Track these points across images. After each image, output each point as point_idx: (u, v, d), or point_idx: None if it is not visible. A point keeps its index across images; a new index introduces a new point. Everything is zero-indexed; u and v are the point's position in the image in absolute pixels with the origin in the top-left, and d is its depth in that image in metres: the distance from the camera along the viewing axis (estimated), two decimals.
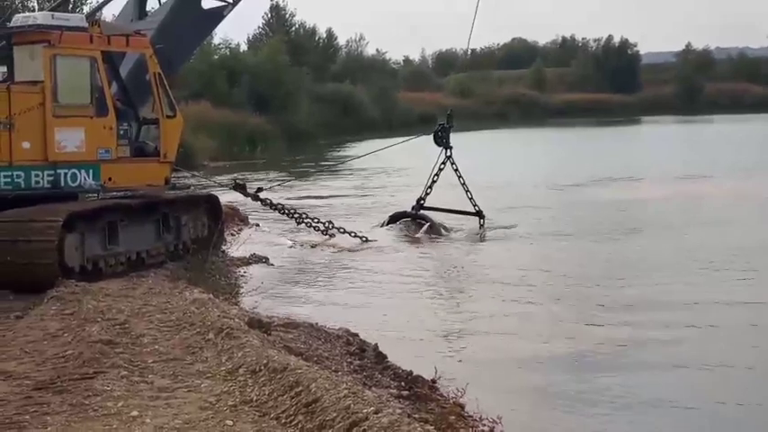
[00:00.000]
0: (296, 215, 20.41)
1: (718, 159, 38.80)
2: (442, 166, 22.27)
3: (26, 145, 14.40)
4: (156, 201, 16.05)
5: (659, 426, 8.59)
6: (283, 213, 20.43)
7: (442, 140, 22.35)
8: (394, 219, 22.45)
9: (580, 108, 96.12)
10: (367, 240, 20.24)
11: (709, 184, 31.12)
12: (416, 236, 21.30)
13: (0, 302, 12.49)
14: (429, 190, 22.14)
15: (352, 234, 20.28)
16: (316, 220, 20.60)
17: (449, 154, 22.32)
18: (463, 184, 22.11)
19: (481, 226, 22.13)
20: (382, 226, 22.17)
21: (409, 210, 22.38)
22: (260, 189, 20.34)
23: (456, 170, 22.16)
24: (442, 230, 21.81)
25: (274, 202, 20.45)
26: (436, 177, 22.16)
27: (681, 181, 32.37)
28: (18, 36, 15.06)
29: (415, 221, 22.15)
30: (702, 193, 28.65)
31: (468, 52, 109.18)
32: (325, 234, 20.48)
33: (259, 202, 20.31)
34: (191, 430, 7.20)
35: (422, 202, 22.15)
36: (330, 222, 20.64)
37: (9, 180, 14.28)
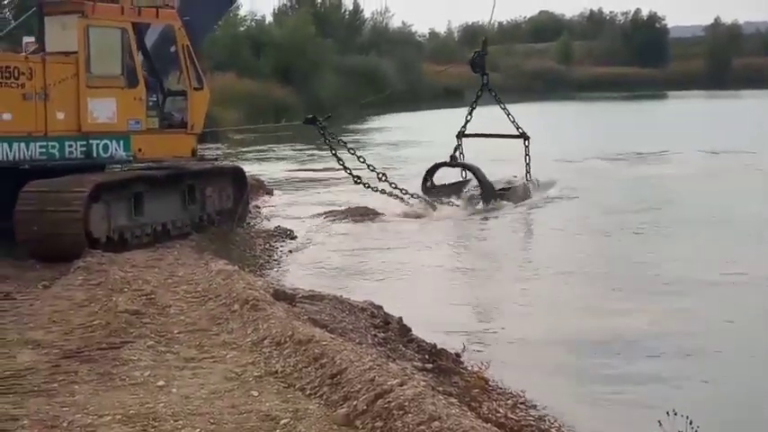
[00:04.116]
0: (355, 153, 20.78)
1: (748, 136, 38.30)
2: (480, 93, 23.28)
3: (60, 115, 14.52)
4: (181, 172, 16.12)
5: (687, 404, 8.53)
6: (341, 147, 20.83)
7: (479, 67, 23.38)
8: (435, 168, 22.69)
9: (607, 82, 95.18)
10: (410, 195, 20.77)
11: (744, 159, 30.82)
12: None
13: (27, 272, 12.59)
14: (469, 117, 23.02)
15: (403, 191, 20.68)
16: (371, 168, 20.77)
17: (485, 81, 23.21)
18: (504, 108, 23.08)
19: (526, 147, 22.79)
20: (427, 179, 22.45)
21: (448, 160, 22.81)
22: (329, 117, 21.22)
23: (495, 95, 23.17)
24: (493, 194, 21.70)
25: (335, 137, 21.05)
26: (474, 104, 23.16)
27: (718, 156, 32.00)
28: (50, 7, 15.13)
29: (459, 170, 22.69)
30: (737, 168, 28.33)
31: (495, 25, 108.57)
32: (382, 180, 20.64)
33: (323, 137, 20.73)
34: (216, 400, 7.25)
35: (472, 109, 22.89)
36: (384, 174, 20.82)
37: (44, 150, 14.41)
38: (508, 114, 23.11)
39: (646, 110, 65.86)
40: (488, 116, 23.69)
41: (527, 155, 22.96)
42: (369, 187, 20.56)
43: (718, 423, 8.52)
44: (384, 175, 20.81)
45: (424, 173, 22.72)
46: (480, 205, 21.36)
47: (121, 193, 14.67)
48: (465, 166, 22.64)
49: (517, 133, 23.09)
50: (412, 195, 21.04)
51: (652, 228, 18.73)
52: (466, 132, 23.09)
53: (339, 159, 20.59)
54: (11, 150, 14.03)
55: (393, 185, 20.76)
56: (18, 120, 14.09)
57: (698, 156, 31.91)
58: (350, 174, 20.65)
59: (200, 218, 16.47)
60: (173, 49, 16.27)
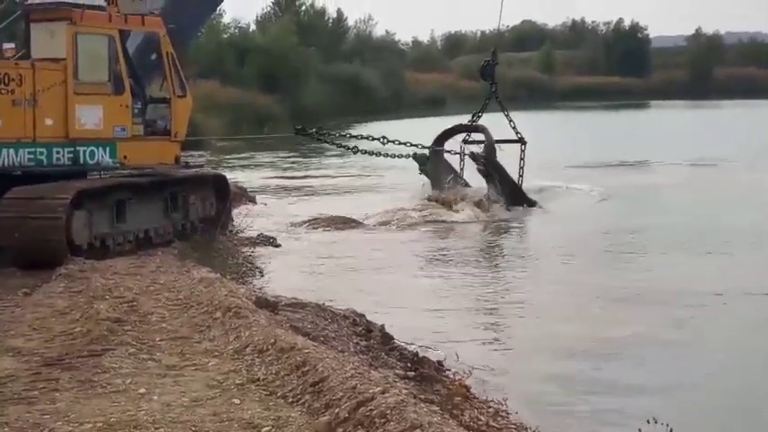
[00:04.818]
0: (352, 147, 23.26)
1: (733, 145, 38.39)
2: (487, 101, 24.21)
3: (49, 122, 14.55)
4: (163, 179, 16.10)
5: (670, 414, 8.53)
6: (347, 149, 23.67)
7: (489, 76, 24.43)
8: (448, 134, 23.94)
9: (589, 91, 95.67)
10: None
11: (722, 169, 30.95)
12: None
13: (8, 279, 12.52)
14: (477, 118, 24.16)
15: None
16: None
17: (494, 89, 24.25)
18: (507, 115, 23.99)
19: (522, 151, 23.48)
20: (442, 140, 23.55)
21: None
22: (320, 128, 22.88)
23: (500, 102, 24.15)
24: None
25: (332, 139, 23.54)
26: (481, 113, 24.17)
27: (704, 166, 32.06)
28: (37, 13, 15.12)
29: (469, 136, 23.98)
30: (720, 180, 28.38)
31: (478, 34, 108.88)
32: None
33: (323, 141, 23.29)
34: (198, 408, 7.23)
35: (478, 118, 24.17)
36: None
37: (32, 156, 14.42)
38: (510, 121, 23.90)
39: (628, 119, 66.20)
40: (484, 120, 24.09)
41: (522, 159, 23.42)
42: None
43: (700, 430, 8.57)
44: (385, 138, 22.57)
45: (440, 132, 23.94)
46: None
47: (103, 200, 14.63)
48: (479, 129, 23.60)
49: (516, 138, 23.78)
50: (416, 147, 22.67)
51: (640, 238, 18.78)
52: (469, 139, 23.96)
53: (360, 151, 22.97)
54: None
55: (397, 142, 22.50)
56: (7, 126, 14.10)
57: (683, 166, 32.07)
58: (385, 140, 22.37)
59: (182, 225, 16.44)
60: (153, 56, 16.30)
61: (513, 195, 22.76)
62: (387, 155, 22.79)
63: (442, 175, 23.04)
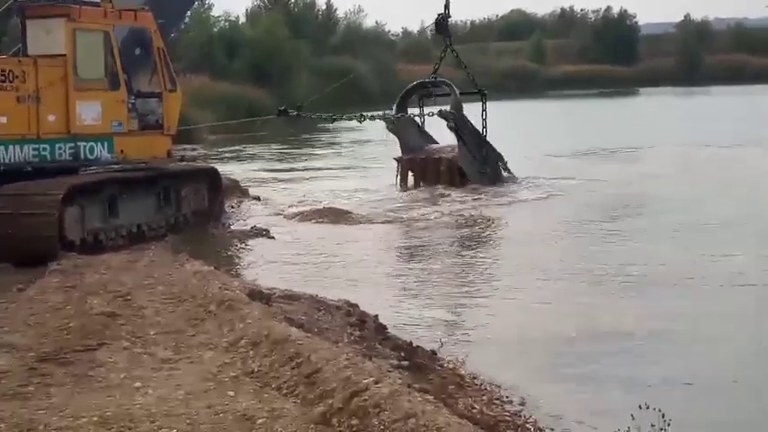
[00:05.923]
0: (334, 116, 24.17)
1: (724, 131, 38.39)
2: (443, 54, 24.66)
3: (51, 118, 14.66)
4: (156, 173, 16.13)
5: (662, 400, 8.55)
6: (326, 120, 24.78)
7: (443, 28, 24.70)
8: (410, 93, 24.47)
9: (579, 80, 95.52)
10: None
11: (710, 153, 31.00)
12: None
13: (1, 275, 12.53)
14: (434, 76, 24.53)
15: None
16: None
17: (449, 42, 24.59)
18: (465, 68, 24.76)
19: (483, 102, 24.00)
20: (400, 102, 24.12)
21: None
22: (299, 107, 23.78)
23: (456, 56, 24.52)
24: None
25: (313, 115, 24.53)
26: (438, 65, 24.63)
27: (695, 152, 32.09)
28: (32, 9, 15.15)
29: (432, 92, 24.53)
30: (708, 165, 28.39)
31: (468, 24, 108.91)
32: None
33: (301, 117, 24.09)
34: (193, 401, 7.25)
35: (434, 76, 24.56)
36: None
37: (36, 152, 14.56)
38: (468, 73, 24.72)
39: (618, 107, 66.18)
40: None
41: (484, 110, 23.91)
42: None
43: (692, 417, 8.60)
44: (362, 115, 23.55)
45: (403, 91, 24.47)
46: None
47: (96, 195, 14.66)
48: (444, 83, 24.00)
49: (475, 90, 24.57)
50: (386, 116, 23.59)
51: (631, 226, 18.67)
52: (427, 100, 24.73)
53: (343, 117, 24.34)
54: (6, 153, 14.13)
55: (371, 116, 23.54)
56: (12, 122, 14.18)
57: (673, 152, 32.02)
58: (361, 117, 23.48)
59: (175, 219, 16.47)
60: (138, 50, 16.36)
61: (489, 157, 23.40)
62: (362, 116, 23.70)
63: (410, 136, 23.86)
